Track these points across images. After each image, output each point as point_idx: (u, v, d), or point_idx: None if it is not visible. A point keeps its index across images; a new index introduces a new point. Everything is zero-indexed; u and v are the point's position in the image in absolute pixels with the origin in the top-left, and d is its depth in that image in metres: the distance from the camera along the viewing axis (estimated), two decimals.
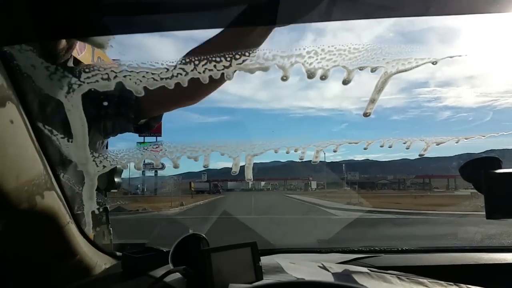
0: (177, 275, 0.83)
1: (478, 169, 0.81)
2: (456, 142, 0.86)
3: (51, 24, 0.55)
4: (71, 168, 0.80)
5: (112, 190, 1.30)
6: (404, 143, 0.79)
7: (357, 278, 0.77)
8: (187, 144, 0.74)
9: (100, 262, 1.00)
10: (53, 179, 0.75)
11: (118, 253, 1.11)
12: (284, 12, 0.68)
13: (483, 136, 0.82)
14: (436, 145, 0.84)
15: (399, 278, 0.80)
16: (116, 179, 1.33)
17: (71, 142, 0.65)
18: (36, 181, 0.67)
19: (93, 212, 0.89)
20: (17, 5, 0.51)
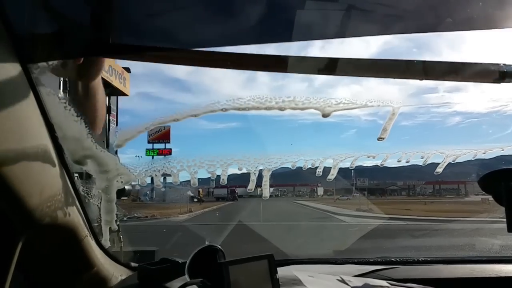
0: (194, 287, 0.83)
1: (498, 181, 0.80)
2: (474, 157, 0.86)
3: (82, 43, 0.56)
4: (90, 182, 0.81)
5: (122, 198, 1.31)
6: (422, 158, 0.79)
7: None
8: (205, 158, 0.75)
9: (116, 273, 1.00)
10: (73, 194, 0.76)
11: (133, 264, 1.11)
12: (300, 28, 0.69)
13: (503, 149, 0.82)
14: (453, 161, 0.84)
15: None
16: (126, 187, 1.34)
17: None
18: (58, 197, 0.68)
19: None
20: (47, 25, 0.53)
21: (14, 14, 0.49)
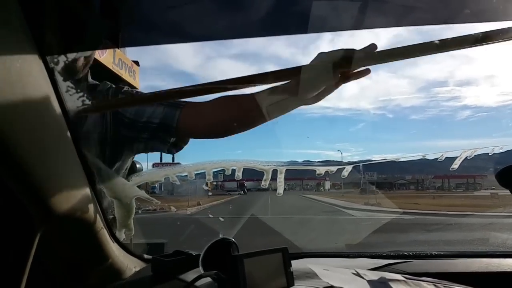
0: (208, 279, 0.83)
1: None
2: (490, 154, 0.85)
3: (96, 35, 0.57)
4: (106, 175, 0.82)
5: None
6: (441, 159, 0.79)
7: (393, 286, 0.76)
8: (226, 161, 0.81)
9: (130, 265, 1.01)
10: (89, 187, 0.76)
11: (146, 256, 1.12)
12: (311, 21, 0.68)
13: None
14: (469, 157, 0.84)
15: (435, 286, 0.78)
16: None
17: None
18: (75, 190, 0.68)
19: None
20: (65, 17, 0.53)
21: (33, 6, 0.49)
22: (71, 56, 0.60)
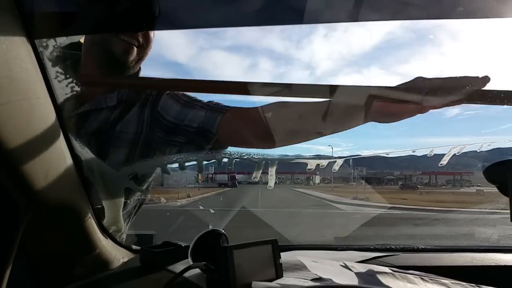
0: (197, 270, 0.83)
1: (503, 171, 0.80)
2: (478, 150, 0.87)
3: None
4: (95, 165, 0.81)
5: None
6: (430, 155, 0.80)
7: (381, 278, 0.77)
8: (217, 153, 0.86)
9: (118, 255, 1.00)
10: (77, 176, 0.75)
11: (135, 247, 1.11)
12: (306, 12, 0.67)
13: (509, 141, 0.82)
14: (457, 154, 0.85)
15: (422, 278, 0.79)
16: None
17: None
18: (63, 178, 0.67)
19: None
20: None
21: None
22: (62, 40, 0.58)
